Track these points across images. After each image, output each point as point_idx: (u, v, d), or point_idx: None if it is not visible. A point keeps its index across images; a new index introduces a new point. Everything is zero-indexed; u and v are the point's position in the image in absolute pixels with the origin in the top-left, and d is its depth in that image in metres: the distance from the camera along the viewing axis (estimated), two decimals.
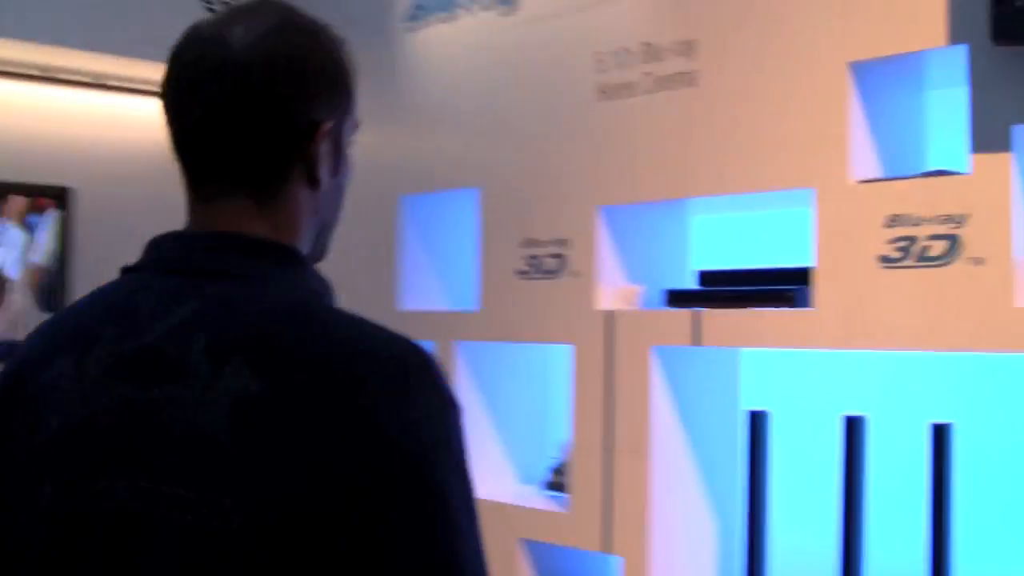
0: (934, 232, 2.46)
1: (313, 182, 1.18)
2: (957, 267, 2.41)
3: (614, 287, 3.12)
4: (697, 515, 3.03)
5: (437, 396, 1.10)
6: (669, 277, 3.21)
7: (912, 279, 2.48)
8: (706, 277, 3.03)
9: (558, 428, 3.51)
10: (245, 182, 1.16)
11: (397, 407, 1.06)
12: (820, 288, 2.64)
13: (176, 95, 1.17)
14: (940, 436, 2.56)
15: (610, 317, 3.05)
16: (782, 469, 2.96)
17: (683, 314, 2.89)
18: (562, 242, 3.21)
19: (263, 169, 1.16)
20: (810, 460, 3.01)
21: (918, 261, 2.48)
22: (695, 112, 2.92)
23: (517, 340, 3.37)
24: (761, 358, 3.11)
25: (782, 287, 2.76)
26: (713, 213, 3.30)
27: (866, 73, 2.63)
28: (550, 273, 3.24)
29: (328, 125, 1.18)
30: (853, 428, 2.71)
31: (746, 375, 3.16)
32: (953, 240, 2.43)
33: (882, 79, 2.68)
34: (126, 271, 1.18)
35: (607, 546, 2.98)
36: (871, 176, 2.63)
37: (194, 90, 1.15)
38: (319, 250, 1.25)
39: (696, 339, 2.86)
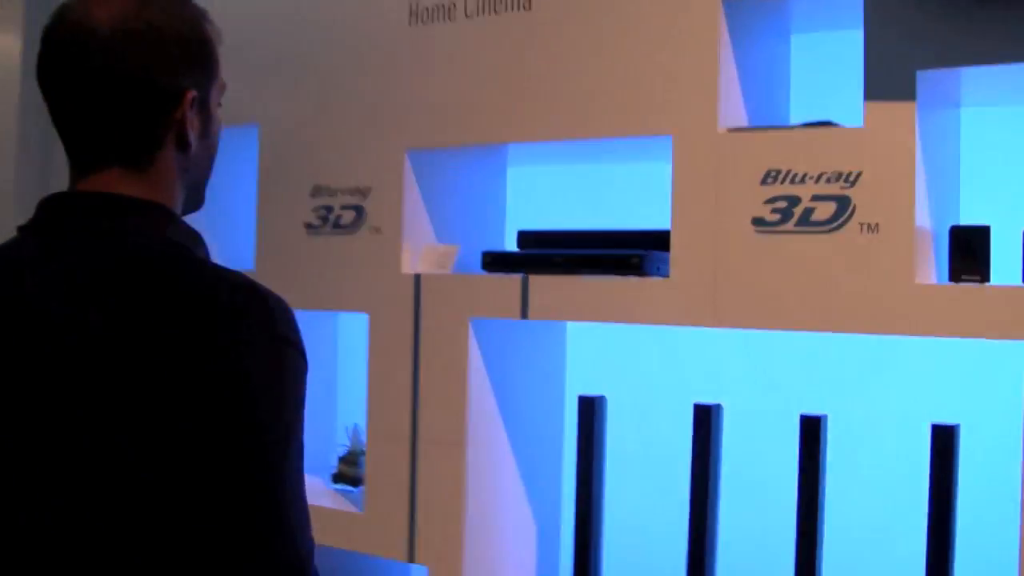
0: (820, 192, 2.09)
1: (183, 146, 1.28)
2: (846, 234, 2.06)
3: (424, 247, 2.64)
4: (517, 517, 2.60)
5: (272, 342, 1.18)
6: (491, 237, 2.76)
7: (792, 247, 2.11)
8: (536, 238, 2.58)
9: (348, 411, 3.01)
10: (118, 151, 1.25)
11: (227, 347, 1.15)
12: (678, 254, 2.24)
13: (48, 73, 1.26)
14: (812, 430, 2.22)
15: (419, 282, 2.57)
16: (620, 463, 2.57)
17: (509, 281, 2.44)
18: (360, 192, 2.70)
19: (134, 139, 1.25)
20: (656, 453, 2.63)
21: (799, 226, 2.11)
22: (526, 40, 2.46)
23: (301, 307, 2.82)
24: (600, 335, 2.70)
25: (629, 251, 2.34)
26: (546, 163, 2.85)
27: (739, 7, 2.24)
28: (345, 228, 2.72)
29: (193, 93, 1.27)
30: (706, 417, 2.34)
31: (580, 354, 2.75)
32: (843, 202, 2.07)
33: (756, 13, 2.29)
34: (20, 229, 1.28)
35: (410, 554, 2.51)
36: (743, 124, 2.24)
37: (64, 68, 1.25)
38: (194, 202, 1.35)
39: (524, 311, 2.42)
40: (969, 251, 2.06)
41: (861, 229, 2.05)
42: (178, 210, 1.29)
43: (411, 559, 2.51)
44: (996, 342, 2.04)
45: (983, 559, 2.25)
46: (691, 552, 2.35)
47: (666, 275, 2.29)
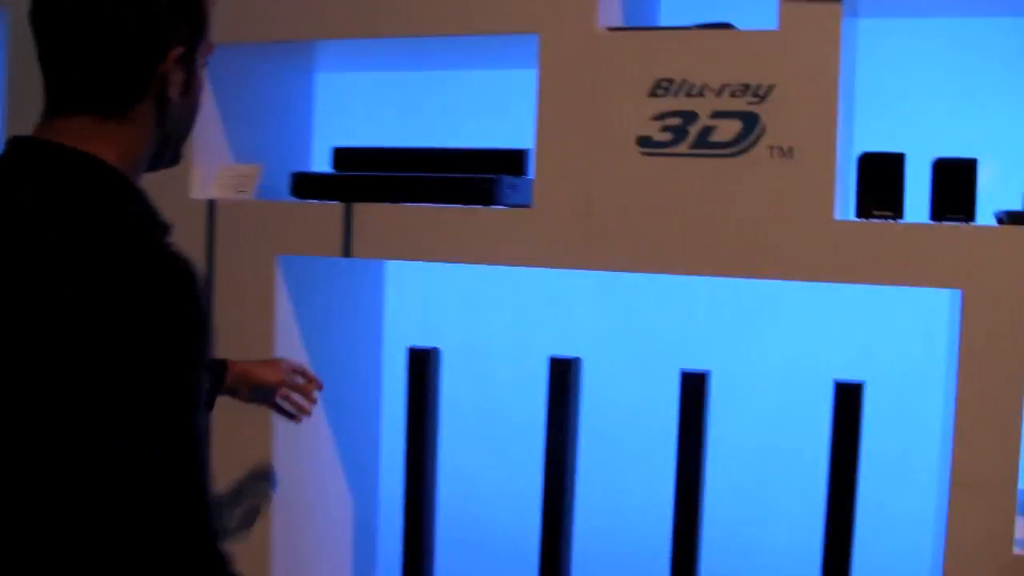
0: (722, 108, 1.74)
1: (163, 102, 1.26)
2: (754, 159, 1.73)
3: (218, 167, 2.15)
4: (331, 486, 2.18)
5: (176, 298, 1.15)
6: (298, 156, 2.29)
7: (686, 173, 1.76)
8: (357, 158, 2.14)
9: None
10: (96, 98, 1.23)
11: (133, 296, 1.12)
12: (543, 180, 1.86)
13: (39, 14, 1.24)
14: (694, 388, 1.89)
15: (212, 211, 2.09)
16: (460, 425, 2.19)
17: (327, 211, 2.00)
18: None
19: (114, 87, 1.23)
20: (503, 412, 2.26)
21: (696, 148, 1.76)
22: None
23: None
24: (439, 277, 2.30)
25: (479, 175, 1.94)
26: (367, 69, 2.40)
27: None
28: None
29: (180, 49, 1.25)
30: (564, 371, 1.99)
31: (411, 299, 2.34)
32: (750, 121, 1.73)
33: None
34: None
35: None
36: (625, 23, 1.87)
37: (52, 15, 1.23)
38: (168, 158, 1.32)
39: (346, 248, 1.99)
40: (881, 183, 1.77)
41: (771, 153, 1.72)
42: (143, 165, 1.28)
43: None
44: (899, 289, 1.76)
45: (885, 526, 2.01)
46: (545, 518, 2.00)
47: (526, 204, 1.90)
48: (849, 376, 1.84)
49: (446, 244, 1.93)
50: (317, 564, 2.18)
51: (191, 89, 1.29)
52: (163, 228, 1.23)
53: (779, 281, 1.77)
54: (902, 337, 2.07)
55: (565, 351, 2.00)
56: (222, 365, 1.79)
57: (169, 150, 1.31)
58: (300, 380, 1.90)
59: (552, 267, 1.88)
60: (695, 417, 1.91)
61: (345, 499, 2.23)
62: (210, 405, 1.67)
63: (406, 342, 2.12)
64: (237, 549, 1.89)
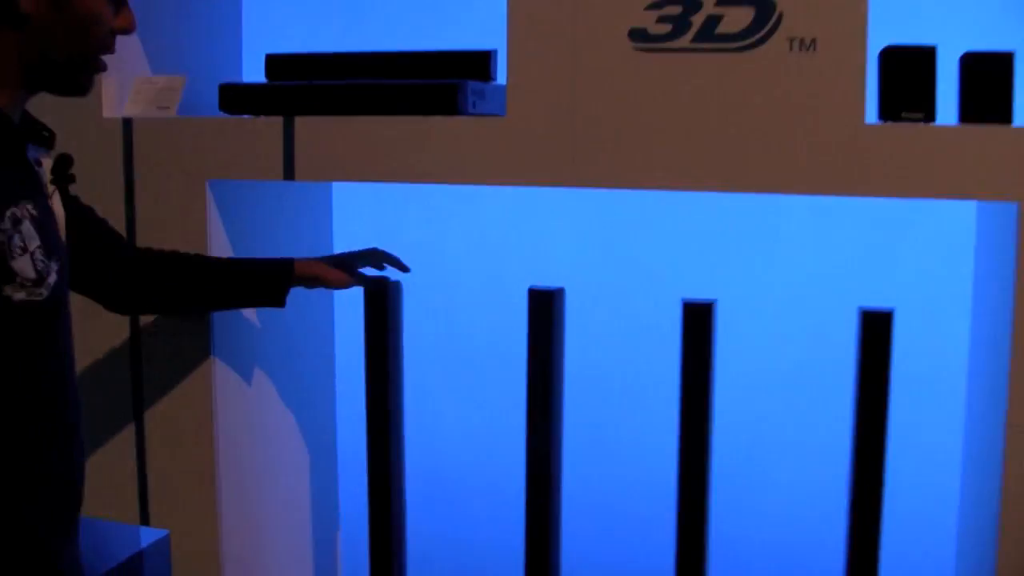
0: None
1: (15, 21, 1.13)
2: (769, 54, 1.46)
3: (135, 80, 1.85)
4: (285, 443, 1.93)
5: None
6: (227, 65, 2.00)
7: (687, 71, 1.50)
8: (295, 66, 1.85)
9: None
10: None
11: None
12: (518, 83, 1.59)
13: None
14: (698, 319, 1.65)
15: (129, 130, 1.80)
16: (427, 363, 1.95)
17: (264, 127, 1.72)
18: None
19: None
20: (476, 345, 2.02)
21: (699, 41, 1.49)
22: None
23: None
24: (392, 199, 2.03)
25: (441, 80, 1.66)
26: None
27: None
28: None
29: None
30: (547, 304, 1.73)
31: (366, 226, 2.08)
32: (764, 8, 1.46)
33: None
34: None
35: (143, 516, 1.80)
36: None
37: None
38: (66, 84, 1.20)
39: (288, 169, 1.71)
40: (909, 80, 1.52)
41: (791, 46, 1.46)
42: (19, 92, 1.16)
43: (144, 521, 1.80)
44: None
45: (913, 461, 1.81)
46: (530, 467, 1.77)
47: (497, 113, 1.63)
48: (869, 302, 1.61)
49: (404, 162, 1.66)
50: (273, 527, 1.93)
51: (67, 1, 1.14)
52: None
53: (795, 197, 1.53)
54: (920, 258, 1.85)
55: (547, 282, 1.75)
56: (287, 266, 1.66)
57: (60, 75, 1.18)
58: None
59: (529, 185, 1.62)
60: (700, 351, 1.67)
61: (302, 453, 1.98)
62: (281, 302, 1.63)
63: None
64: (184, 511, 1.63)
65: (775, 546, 2.03)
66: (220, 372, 1.77)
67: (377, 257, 1.76)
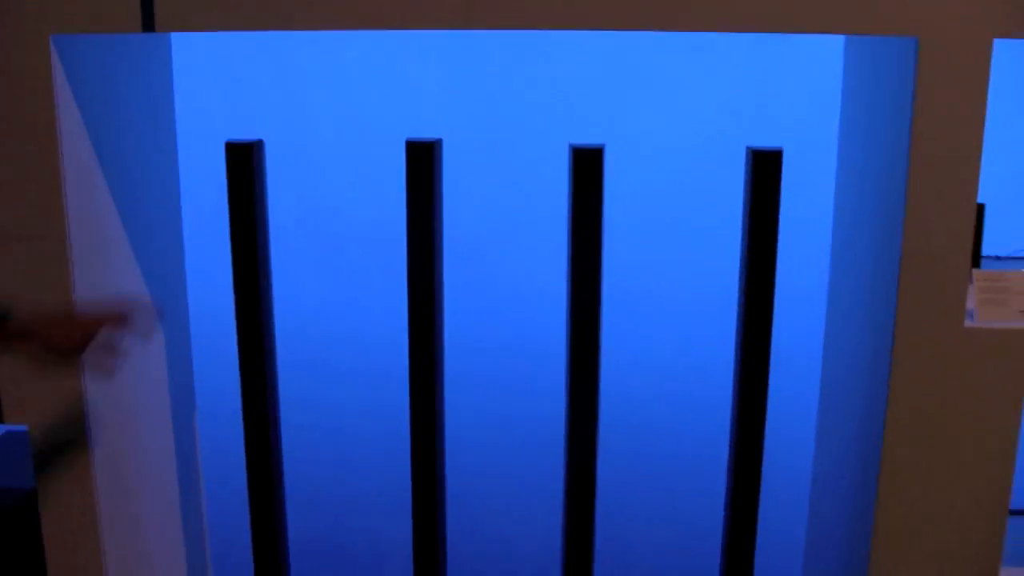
0: None
1: None
2: None
3: None
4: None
5: None
6: None
7: None
8: None
9: None
10: None
11: None
12: None
13: None
14: (587, 163, 1.63)
15: None
16: (292, 230, 1.85)
17: None
18: None
19: None
20: (344, 206, 1.93)
21: None
22: None
23: None
24: (247, 48, 1.90)
25: None
26: None
27: None
28: None
29: None
30: (424, 156, 1.67)
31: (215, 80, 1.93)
32: None
33: None
34: None
35: None
36: None
37: None
38: None
39: (147, 19, 1.57)
40: None
41: None
42: None
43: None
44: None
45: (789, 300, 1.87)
46: (412, 321, 1.71)
47: None
48: (754, 141, 1.63)
49: (268, 9, 1.54)
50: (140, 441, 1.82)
51: None
52: None
53: (677, 35, 1.52)
54: (793, 96, 1.88)
55: (422, 133, 1.68)
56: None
57: None
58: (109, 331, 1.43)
59: (401, 28, 1.54)
60: (590, 197, 1.65)
61: (158, 344, 1.86)
62: None
63: (213, 135, 1.74)
64: None
65: (665, 379, 2.06)
66: (79, 253, 1.63)
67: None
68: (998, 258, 1.85)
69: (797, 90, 1.92)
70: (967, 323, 1.52)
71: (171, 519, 1.92)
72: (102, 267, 1.68)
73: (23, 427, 1.90)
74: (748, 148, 1.61)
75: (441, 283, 1.74)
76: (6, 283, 1.62)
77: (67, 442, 1.66)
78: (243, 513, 1.93)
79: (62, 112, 1.60)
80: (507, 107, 1.94)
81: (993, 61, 1.44)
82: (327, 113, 1.99)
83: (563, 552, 1.79)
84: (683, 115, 1.94)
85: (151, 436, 1.84)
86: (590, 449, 1.74)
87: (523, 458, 2.14)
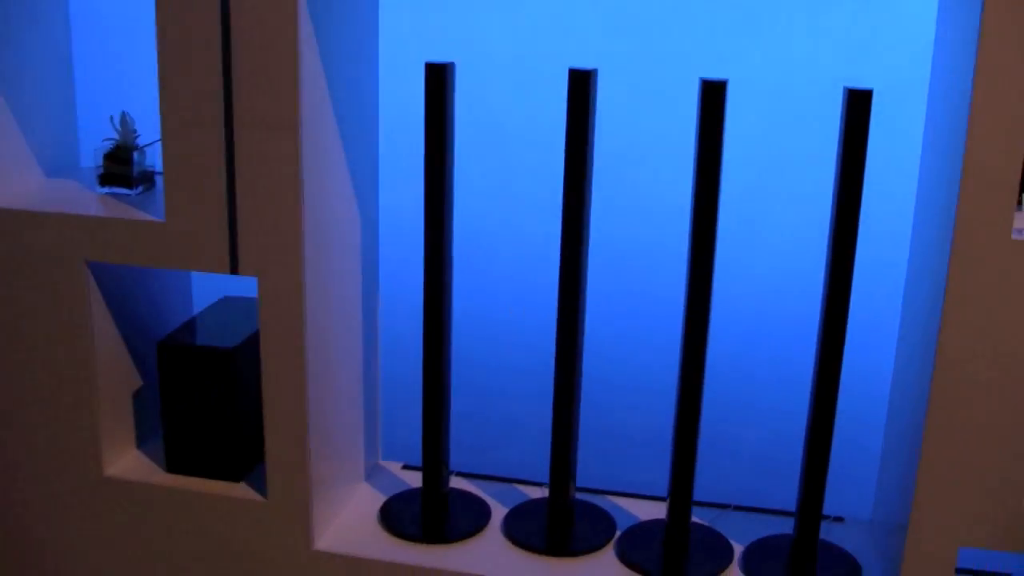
0: None
1: None
2: None
3: None
4: (346, 213, 2.23)
5: None
6: None
7: None
8: None
9: (108, 98, 2.45)
10: None
11: None
12: None
13: None
14: (713, 96, 1.98)
15: None
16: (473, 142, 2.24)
17: None
18: None
19: None
20: (519, 127, 2.31)
21: None
22: None
23: None
24: None
25: None
26: None
27: None
28: None
29: None
30: (583, 84, 2.04)
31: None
32: None
33: None
34: None
35: (233, 263, 2.11)
36: None
37: None
38: None
39: None
40: None
41: None
42: None
43: (234, 270, 2.10)
44: None
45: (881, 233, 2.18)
46: (567, 231, 2.09)
47: None
48: (855, 81, 1.95)
49: None
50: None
51: None
52: None
53: None
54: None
55: (575, 63, 2.03)
56: None
57: None
58: None
59: None
60: (713, 129, 1.99)
61: (356, 221, 2.28)
62: None
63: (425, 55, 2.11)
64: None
65: (764, 299, 2.41)
66: (307, 138, 2.05)
67: None
68: None
69: (894, 28, 2.21)
70: (1014, 236, 1.82)
71: (354, 372, 2.35)
72: (320, 171, 2.10)
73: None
74: (844, 87, 1.94)
75: (589, 196, 2.10)
76: (247, 172, 2.05)
77: None
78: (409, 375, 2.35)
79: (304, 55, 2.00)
80: (640, 40, 2.29)
81: None
82: (488, 39, 2.36)
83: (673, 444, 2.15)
84: (783, 52, 2.25)
85: (343, 307, 2.27)
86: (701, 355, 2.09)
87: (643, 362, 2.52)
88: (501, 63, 2.35)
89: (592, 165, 2.08)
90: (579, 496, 2.36)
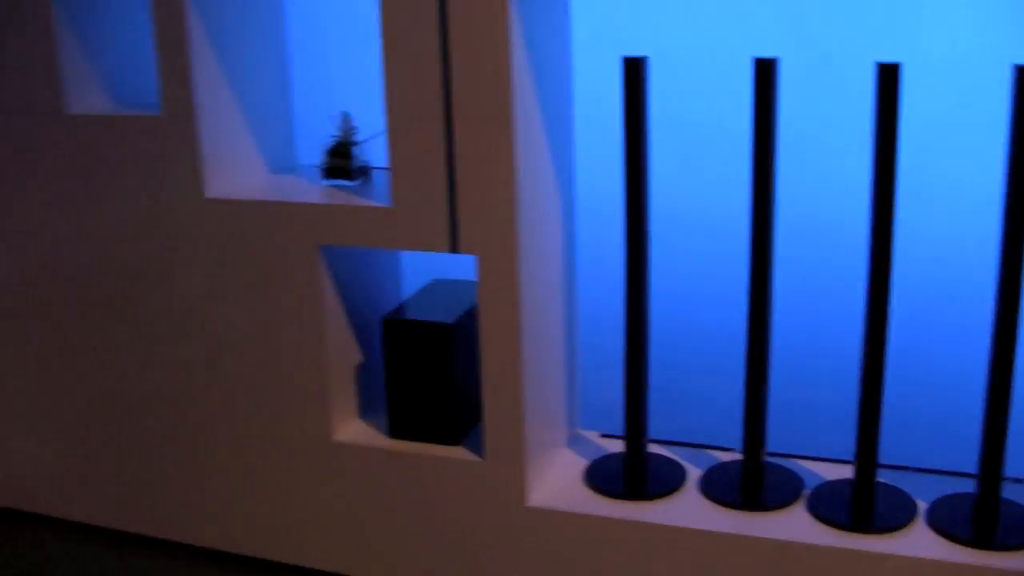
0: None
1: None
2: None
3: None
4: (552, 195, 2.43)
5: None
6: None
7: None
8: None
9: (323, 96, 2.70)
10: None
11: None
12: None
13: None
14: (887, 79, 2.13)
15: None
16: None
17: None
18: None
19: None
20: (698, 118, 2.49)
21: None
22: None
23: None
24: None
25: None
26: None
27: None
28: None
29: None
30: (763, 73, 2.20)
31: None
32: None
33: None
34: None
35: (455, 244, 2.32)
36: None
37: None
38: None
39: None
40: None
41: None
42: None
43: (454, 249, 2.32)
44: None
45: None
46: (755, 213, 2.26)
47: None
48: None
49: None
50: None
51: None
52: None
53: None
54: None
55: (759, 52, 2.20)
56: None
57: None
58: None
59: None
60: (889, 111, 2.13)
61: (557, 207, 2.48)
62: None
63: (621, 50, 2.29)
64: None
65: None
66: (518, 128, 2.25)
67: None
68: None
69: None
70: None
71: (558, 344, 2.55)
72: (530, 159, 2.31)
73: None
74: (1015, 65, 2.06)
75: (773, 186, 2.27)
76: (466, 160, 2.26)
77: None
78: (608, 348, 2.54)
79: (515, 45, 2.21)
80: (814, 27, 2.44)
81: None
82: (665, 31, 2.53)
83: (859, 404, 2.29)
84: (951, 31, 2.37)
85: (550, 284, 2.47)
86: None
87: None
88: (666, 54, 2.50)
89: (777, 153, 2.24)
90: (768, 459, 2.52)
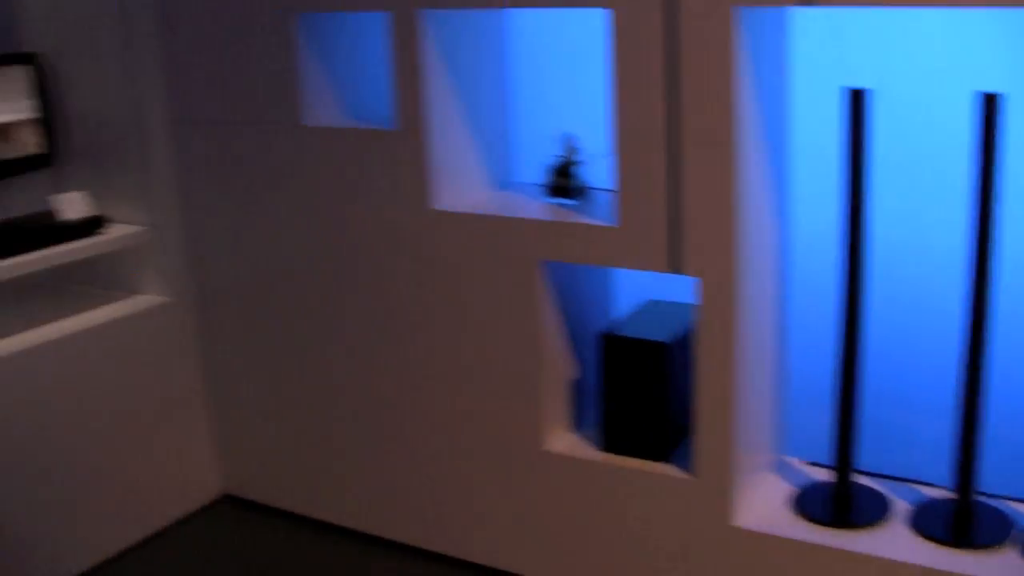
0: None
1: None
2: None
3: None
4: (769, 221, 2.47)
5: None
6: None
7: None
8: None
9: (548, 118, 2.81)
10: None
11: None
12: None
13: None
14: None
15: None
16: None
17: None
18: None
19: None
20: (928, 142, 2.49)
21: None
22: None
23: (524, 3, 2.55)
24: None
25: None
26: None
27: None
28: None
29: None
30: (989, 105, 2.18)
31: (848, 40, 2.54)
32: None
33: None
34: None
35: (675, 264, 2.38)
36: None
37: None
38: None
39: None
40: None
41: None
42: None
43: (676, 270, 2.38)
44: None
45: None
46: (978, 230, 2.24)
47: None
48: None
49: None
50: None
51: None
52: None
53: None
54: None
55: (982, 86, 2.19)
56: None
57: None
58: None
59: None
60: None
61: (776, 231, 2.51)
62: None
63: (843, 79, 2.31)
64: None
65: None
66: (741, 154, 2.30)
67: None
68: None
69: None
70: None
71: (770, 370, 2.58)
72: (751, 184, 2.35)
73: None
74: None
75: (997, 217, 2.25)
76: (691, 185, 2.32)
77: None
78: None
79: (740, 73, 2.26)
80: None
81: None
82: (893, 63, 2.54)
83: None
84: None
85: (766, 309, 2.51)
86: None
87: None
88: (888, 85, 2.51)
89: (999, 183, 2.22)
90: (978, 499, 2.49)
